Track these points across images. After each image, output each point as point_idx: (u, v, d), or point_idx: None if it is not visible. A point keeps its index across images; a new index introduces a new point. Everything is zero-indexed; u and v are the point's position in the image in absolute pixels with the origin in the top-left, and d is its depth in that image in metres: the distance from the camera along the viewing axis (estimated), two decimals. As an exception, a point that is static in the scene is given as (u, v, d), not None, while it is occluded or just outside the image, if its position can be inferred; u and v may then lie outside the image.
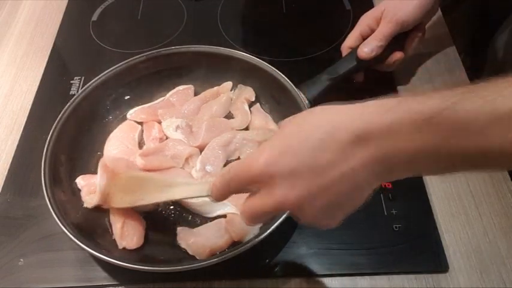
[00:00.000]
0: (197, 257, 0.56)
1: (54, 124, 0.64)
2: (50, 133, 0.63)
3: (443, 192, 0.63)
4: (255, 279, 0.57)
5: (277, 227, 0.53)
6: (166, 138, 0.69)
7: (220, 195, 0.45)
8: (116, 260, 0.53)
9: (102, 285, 0.57)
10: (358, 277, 0.56)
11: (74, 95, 0.76)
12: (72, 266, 0.59)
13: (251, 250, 0.53)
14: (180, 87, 0.74)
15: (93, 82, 0.69)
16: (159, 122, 0.70)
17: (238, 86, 0.73)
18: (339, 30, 0.84)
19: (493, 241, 0.58)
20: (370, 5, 0.87)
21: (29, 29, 0.90)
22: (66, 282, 0.58)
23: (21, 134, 0.72)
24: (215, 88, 0.73)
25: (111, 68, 0.71)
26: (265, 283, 0.57)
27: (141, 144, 0.69)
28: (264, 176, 0.39)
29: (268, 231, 0.53)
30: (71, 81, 0.79)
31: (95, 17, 0.92)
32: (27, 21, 0.92)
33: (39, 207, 0.64)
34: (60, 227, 0.54)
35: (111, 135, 0.69)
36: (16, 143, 0.72)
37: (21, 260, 0.59)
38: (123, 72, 0.71)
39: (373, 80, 0.73)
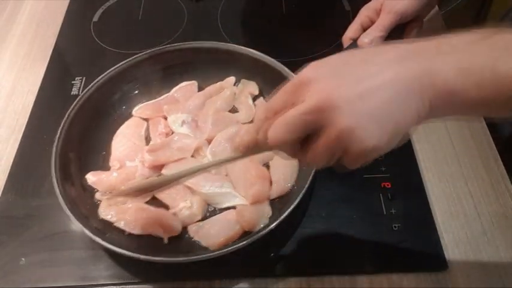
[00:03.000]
0: (210, 248, 0.57)
1: (62, 123, 0.64)
2: (59, 131, 0.63)
3: (442, 192, 0.63)
4: (255, 279, 0.57)
5: (289, 214, 0.54)
6: (172, 133, 0.70)
7: (260, 128, 0.42)
8: (132, 252, 0.53)
9: (103, 284, 0.58)
10: (357, 276, 0.57)
11: (76, 95, 0.76)
12: (73, 266, 0.59)
13: (252, 247, 0.53)
14: (184, 83, 0.75)
15: (99, 80, 0.70)
16: (165, 118, 0.71)
17: (242, 80, 0.74)
18: (338, 31, 0.84)
19: (492, 240, 0.59)
20: (370, 6, 0.88)
21: (31, 29, 0.91)
22: (67, 281, 0.58)
23: (23, 134, 0.73)
24: (218, 83, 0.74)
25: (116, 66, 0.71)
26: (265, 283, 0.57)
27: (147, 140, 0.70)
28: (308, 78, 0.39)
29: (283, 216, 0.54)
30: (72, 82, 0.79)
31: (96, 18, 0.92)
32: (28, 22, 0.92)
33: (40, 207, 0.64)
34: (71, 222, 0.55)
35: (118, 131, 0.70)
36: (18, 142, 0.72)
37: (23, 259, 0.59)
38: (128, 70, 0.72)
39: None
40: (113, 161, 0.67)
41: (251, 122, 0.70)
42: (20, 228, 0.62)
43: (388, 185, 0.63)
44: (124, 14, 0.93)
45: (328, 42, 0.82)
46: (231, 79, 0.74)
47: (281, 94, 0.42)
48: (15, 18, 0.93)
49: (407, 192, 0.63)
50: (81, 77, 0.80)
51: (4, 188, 0.67)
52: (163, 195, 0.62)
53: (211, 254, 0.54)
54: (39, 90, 0.79)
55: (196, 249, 0.58)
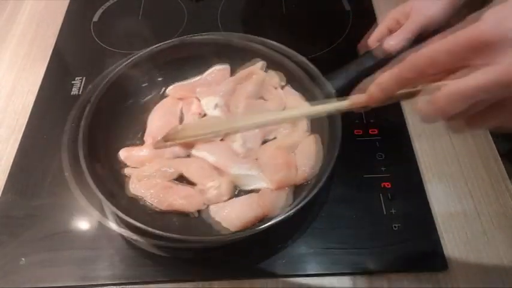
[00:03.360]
0: (230, 229, 0.58)
1: (92, 99, 0.65)
2: (87, 109, 0.64)
3: (442, 192, 0.63)
4: (255, 279, 0.57)
5: (308, 202, 0.55)
6: (205, 114, 0.71)
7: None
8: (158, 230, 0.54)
9: (103, 284, 0.58)
10: (357, 276, 0.57)
11: (76, 95, 0.76)
12: (73, 266, 0.59)
13: (249, 245, 0.53)
14: (217, 67, 0.76)
15: (131, 59, 0.71)
16: (197, 99, 0.73)
17: (268, 71, 0.74)
18: (338, 31, 0.84)
19: (492, 240, 0.59)
20: (370, 6, 0.88)
21: (31, 29, 0.91)
22: (67, 281, 0.58)
23: (23, 134, 0.73)
24: (248, 69, 0.74)
25: (148, 49, 0.72)
26: (265, 283, 0.57)
27: (181, 119, 0.71)
28: (492, 37, 0.31)
29: (301, 204, 0.55)
30: (72, 82, 0.79)
31: (96, 18, 0.92)
32: (28, 22, 0.92)
33: (40, 207, 0.64)
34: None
35: (156, 107, 0.72)
36: (18, 142, 0.72)
37: (23, 259, 0.60)
38: (161, 53, 0.73)
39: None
40: (147, 136, 0.68)
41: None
42: (20, 228, 0.62)
43: (388, 185, 0.63)
44: (124, 14, 0.93)
45: (328, 42, 0.82)
46: (261, 64, 0.74)
47: (451, 48, 0.33)
48: (15, 18, 0.93)
49: (407, 192, 0.63)
50: (81, 77, 0.80)
51: (4, 188, 0.67)
52: (190, 174, 0.63)
53: (230, 236, 0.55)
54: (39, 90, 0.79)
55: (212, 234, 0.58)
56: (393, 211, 0.61)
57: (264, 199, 0.60)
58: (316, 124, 0.67)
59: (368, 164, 0.66)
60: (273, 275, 0.57)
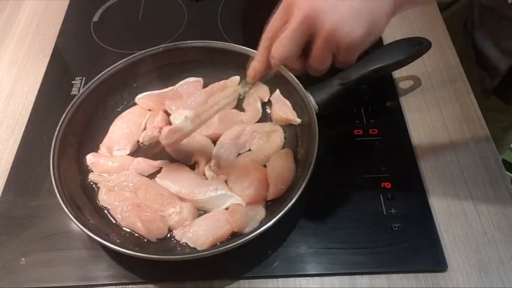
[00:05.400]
0: (198, 248, 0.57)
1: (68, 107, 0.66)
2: (63, 116, 0.65)
3: (442, 192, 0.63)
4: (255, 279, 0.57)
5: (278, 220, 0.54)
6: None
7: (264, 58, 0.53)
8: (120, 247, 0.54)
9: (103, 284, 0.58)
10: (357, 276, 0.57)
11: (76, 95, 0.76)
12: (73, 266, 0.59)
13: (249, 245, 0.53)
14: (190, 79, 0.75)
15: (106, 72, 0.71)
16: (165, 111, 0.72)
17: (259, 83, 0.73)
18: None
19: (492, 240, 0.59)
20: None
21: (31, 29, 0.91)
22: (68, 281, 0.58)
23: (23, 134, 0.73)
24: (222, 81, 0.74)
25: (126, 58, 0.72)
26: (265, 283, 0.57)
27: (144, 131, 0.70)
28: (288, 2, 0.48)
29: (272, 222, 0.54)
30: (72, 82, 0.79)
31: (96, 18, 0.92)
32: (28, 22, 0.92)
33: (40, 207, 0.64)
34: (71, 221, 0.56)
35: (121, 115, 0.71)
36: (18, 143, 0.72)
37: (23, 259, 0.59)
38: (138, 63, 0.73)
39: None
40: (103, 146, 0.68)
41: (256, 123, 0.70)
42: (20, 228, 0.62)
43: (388, 185, 0.63)
44: (124, 14, 0.93)
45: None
46: (235, 78, 0.74)
47: (275, 17, 0.51)
48: (15, 17, 0.93)
49: (407, 192, 0.63)
50: (81, 77, 0.80)
51: (4, 188, 0.67)
52: (149, 202, 0.61)
53: (200, 253, 0.54)
54: (39, 90, 0.79)
55: (186, 248, 0.58)
56: (393, 211, 0.61)
57: (234, 215, 0.59)
58: (290, 139, 0.68)
59: (368, 164, 0.66)
60: (273, 275, 0.57)
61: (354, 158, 0.67)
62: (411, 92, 0.75)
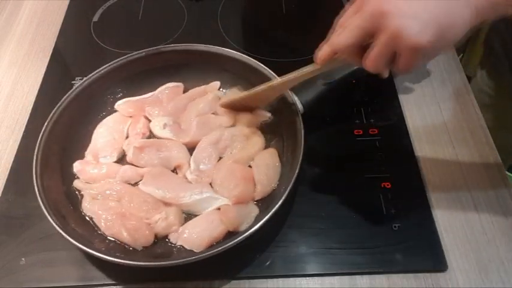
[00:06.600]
0: (194, 250, 0.57)
1: (50, 115, 0.65)
2: (45, 124, 0.64)
3: (442, 192, 0.63)
4: (255, 279, 0.57)
5: (275, 214, 0.54)
6: (149, 136, 0.69)
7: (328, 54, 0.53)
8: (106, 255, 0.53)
9: (103, 284, 0.58)
10: (357, 276, 0.57)
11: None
12: (73, 266, 0.59)
13: (249, 245, 0.53)
14: (170, 84, 0.74)
15: (90, 77, 0.70)
16: (146, 117, 0.71)
17: (231, 89, 0.73)
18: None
19: (492, 240, 0.59)
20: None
21: (31, 29, 0.91)
22: (68, 281, 0.58)
23: (23, 134, 0.73)
24: (202, 87, 0.74)
25: (107, 65, 0.71)
26: (265, 283, 0.57)
27: (127, 137, 0.70)
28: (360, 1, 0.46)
29: (268, 215, 0.54)
30: (72, 82, 0.79)
31: (96, 18, 0.92)
32: (28, 22, 0.92)
33: (40, 207, 0.64)
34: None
35: (102, 122, 0.70)
36: (18, 143, 0.72)
37: (23, 259, 0.59)
38: (119, 69, 0.72)
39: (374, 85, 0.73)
40: (88, 154, 0.67)
41: (233, 125, 0.69)
42: (19, 228, 0.62)
43: (388, 185, 0.63)
44: (124, 14, 0.93)
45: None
46: (215, 83, 0.73)
47: (348, 11, 0.49)
48: (15, 17, 0.93)
49: (407, 192, 0.63)
50: (81, 77, 0.80)
51: (4, 188, 0.67)
52: (134, 210, 0.61)
53: (200, 255, 0.53)
54: (39, 90, 0.79)
55: (182, 251, 0.58)
56: (393, 211, 0.61)
57: (227, 215, 0.58)
58: (276, 139, 0.68)
59: (368, 164, 0.66)
60: (273, 275, 0.57)
61: (354, 158, 0.67)
62: (411, 92, 0.75)
